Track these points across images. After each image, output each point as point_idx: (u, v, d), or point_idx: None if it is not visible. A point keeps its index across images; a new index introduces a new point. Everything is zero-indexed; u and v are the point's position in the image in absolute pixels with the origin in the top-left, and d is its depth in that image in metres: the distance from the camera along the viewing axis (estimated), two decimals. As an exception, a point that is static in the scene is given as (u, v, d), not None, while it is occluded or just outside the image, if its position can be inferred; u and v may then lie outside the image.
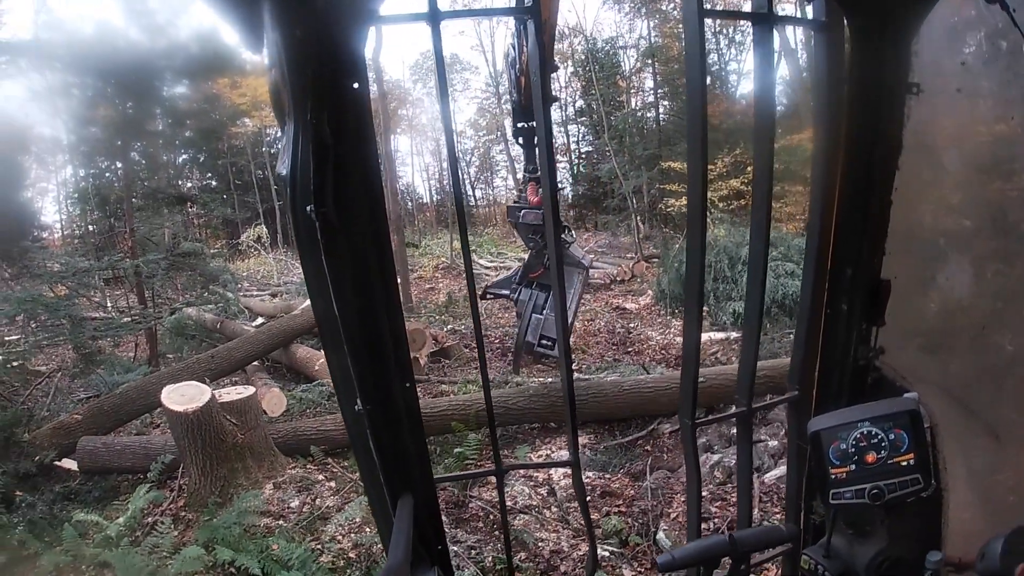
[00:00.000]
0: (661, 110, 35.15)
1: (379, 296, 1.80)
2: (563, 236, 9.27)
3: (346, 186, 1.64)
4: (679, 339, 13.99)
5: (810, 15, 2.12)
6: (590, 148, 40.22)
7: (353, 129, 1.64)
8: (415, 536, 1.98)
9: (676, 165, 24.13)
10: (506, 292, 8.80)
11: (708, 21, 2.07)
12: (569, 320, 8.35)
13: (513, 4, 5.12)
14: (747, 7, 2.26)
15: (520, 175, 9.33)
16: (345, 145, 1.61)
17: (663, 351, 13.72)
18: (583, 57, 37.65)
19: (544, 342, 8.60)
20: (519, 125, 8.27)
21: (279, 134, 1.73)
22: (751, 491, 2.60)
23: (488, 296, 8.82)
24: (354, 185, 1.67)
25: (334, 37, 1.53)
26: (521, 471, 8.15)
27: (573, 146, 42.20)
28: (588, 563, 2.70)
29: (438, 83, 1.88)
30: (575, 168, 41.38)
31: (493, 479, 2.35)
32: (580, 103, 41.17)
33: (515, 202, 9.32)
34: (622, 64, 37.65)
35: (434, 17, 1.71)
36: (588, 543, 2.65)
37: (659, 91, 35.31)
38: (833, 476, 2.01)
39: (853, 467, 1.98)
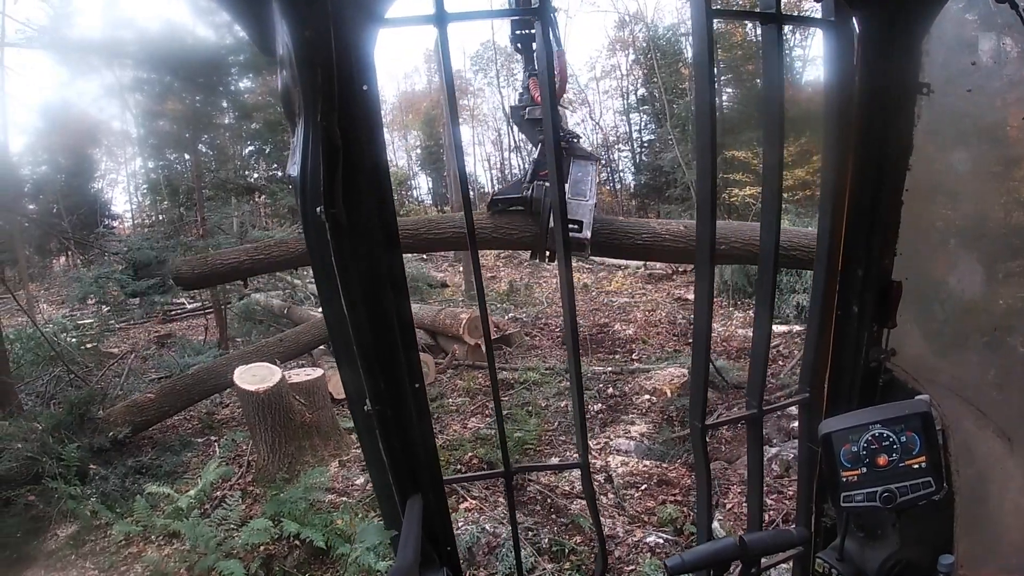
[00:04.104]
0: (724, 98, 34.49)
1: (389, 297, 1.82)
2: (569, 133, 8.90)
3: (356, 187, 1.66)
4: (741, 331, 13.89)
5: (819, 15, 2.09)
6: (652, 137, 39.78)
7: (363, 130, 1.67)
8: (424, 537, 2.00)
9: (740, 154, 23.55)
10: (516, 195, 8.21)
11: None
12: (591, 207, 7.95)
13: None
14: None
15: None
16: (355, 146, 1.64)
17: (724, 342, 13.58)
18: (644, 45, 37.23)
19: (571, 226, 8.10)
20: (517, 32, 8.00)
21: (289, 133, 1.75)
22: (762, 493, 2.56)
23: (497, 207, 8.17)
24: (364, 186, 1.70)
25: (344, 39, 1.55)
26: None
27: (635, 135, 41.84)
28: (597, 565, 2.71)
29: (445, 85, 1.90)
30: (636, 157, 41.01)
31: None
32: (642, 91, 40.74)
33: (518, 102, 8.93)
34: (684, 51, 37.11)
35: (441, 19, 1.72)
36: (598, 546, 2.67)
37: (722, 78, 34.68)
38: (844, 479, 1.99)
39: (864, 470, 1.97)
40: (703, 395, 2.27)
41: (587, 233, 7.75)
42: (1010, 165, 2.25)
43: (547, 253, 8.16)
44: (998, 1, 1.77)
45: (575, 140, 8.62)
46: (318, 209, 1.60)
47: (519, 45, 8.14)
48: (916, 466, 1.93)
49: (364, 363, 1.82)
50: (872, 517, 2.09)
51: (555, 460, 8.66)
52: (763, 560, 2.14)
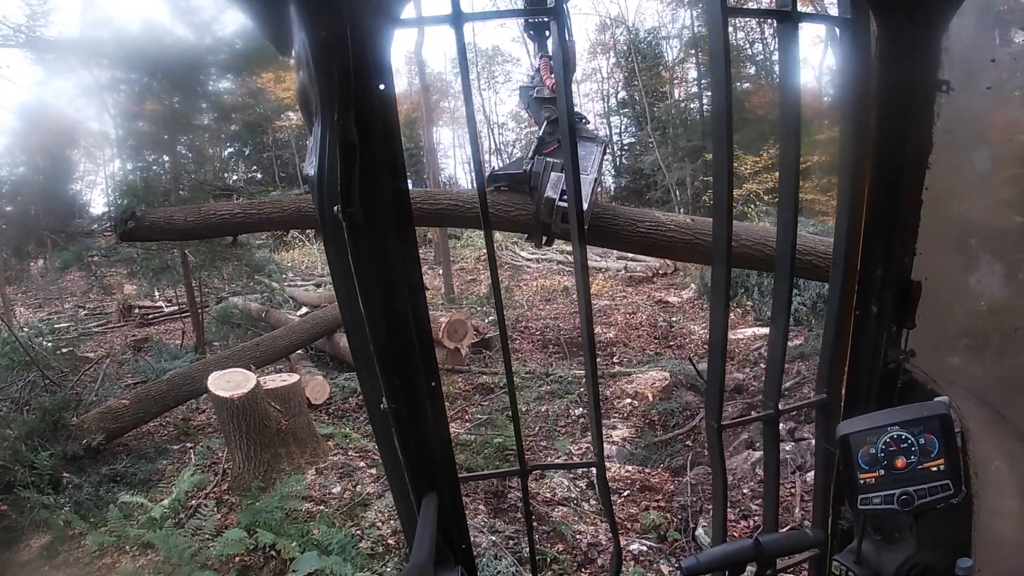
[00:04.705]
0: (705, 101, 34.76)
1: (405, 297, 1.80)
2: (576, 115, 8.93)
3: (373, 187, 1.65)
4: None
5: (836, 12, 2.08)
6: (633, 140, 40.03)
7: (380, 130, 1.65)
8: (439, 535, 1.99)
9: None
10: (517, 171, 8.14)
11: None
12: (591, 181, 7.92)
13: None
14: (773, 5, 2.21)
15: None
16: (372, 146, 1.62)
17: (705, 345, 13.61)
18: (625, 48, 37.41)
19: (565, 198, 7.98)
20: (530, 20, 8.14)
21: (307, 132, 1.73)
22: (778, 495, 2.54)
23: (499, 185, 8.14)
24: (381, 185, 1.68)
25: (360, 38, 1.54)
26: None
27: (615, 138, 41.97)
28: (612, 565, 2.69)
29: (462, 84, 1.90)
30: (617, 160, 41.13)
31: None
32: (622, 94, 40.93)
33: (529, 82, 9.08)
34: (665, 54, 37.33)
35: (457, 19, 1.71)
36: (612, 545, 2.65)
37: (703, 81, 34.90)
38: (862, 481, 1.97)
39: (882, 472, 1.95)
40: (719, 396, 2.26)
41: (584, 205, 7.70)
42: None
43: (543, 238, 8.17)
44: None
45: (582, 122, 8.66)
46: (335, 208, 1.60)
47: (531, 32, 8.22)
48: (934, 469, 1.91)
49: (380, 361, 1.81)
50: (889, 520, 2.06)
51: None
52: (779, 562, 2.14)
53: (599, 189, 8.37)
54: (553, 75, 7.95)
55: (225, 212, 8.62)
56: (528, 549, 2.68)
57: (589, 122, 9.58)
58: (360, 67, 1.55)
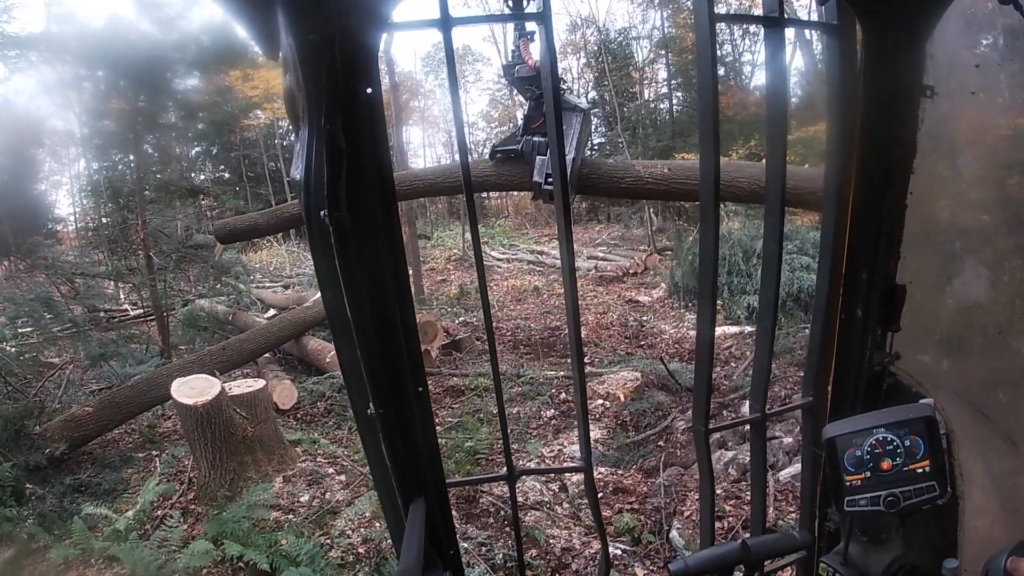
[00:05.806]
0: (674, 101, 34.96)
1: (393, 301, 1.81)
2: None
3: (360, 191, 1.64)
4: (693, 332, 13.94)
5: (822, 18, 2.10)
6: (603, 140, 40.07)
7: (367, 134, 1.64)
8: (427, 540, 1.99)
9: (689, 156, 23.94)
10: (513, 147, 9.06)
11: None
12: (569, 160, 8.31)
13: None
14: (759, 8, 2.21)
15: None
16: (359, 150, 1.61)
17: (676, 345, 13.69)
18: (596, 48, 37.46)
19: (549, 179, 8.71)
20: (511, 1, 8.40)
21: (293, 136, 1.74)
22: (765, 497, 2.57)
23: (497, 156, 9.14)
24: (368, 190, 1.67)
25: (348, 42, 1.53)
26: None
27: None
28: (600, 567, 2.67)
29: (450, 87, 1.90)
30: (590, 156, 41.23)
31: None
32: (593, 94, 41.00)
33: (510, 61, 9.44)
34: (635, 55, 37.44)
35: (445, 23, 1.70)
36: (600, 547, 2.63)
37: (672, 82, 35.09)
38: (848, 483, 1.99)
39: (868, 474, 1.96)
40: (706, 398, 2.26)
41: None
42: (1013, 167, 2.29)
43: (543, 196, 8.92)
44: (1002, 2, 1.78)
45: (561, 91, 8.79)
46: (322, 212, 1.59)
47: (510, 3, 8.44)
48: (920, 470, 1.94)
49: (368, 366, 1.80)
50: (876, 521, 2.10)
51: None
52: (766, 564, 2.17)
53: (581, 159, 8.99)
54: (533, 55, 8.60)
55: (288, 214, 10.15)
56: (516, 556, 2.64)
57: (571, 89, 10.01)
58: (347, 71, 1.55)
